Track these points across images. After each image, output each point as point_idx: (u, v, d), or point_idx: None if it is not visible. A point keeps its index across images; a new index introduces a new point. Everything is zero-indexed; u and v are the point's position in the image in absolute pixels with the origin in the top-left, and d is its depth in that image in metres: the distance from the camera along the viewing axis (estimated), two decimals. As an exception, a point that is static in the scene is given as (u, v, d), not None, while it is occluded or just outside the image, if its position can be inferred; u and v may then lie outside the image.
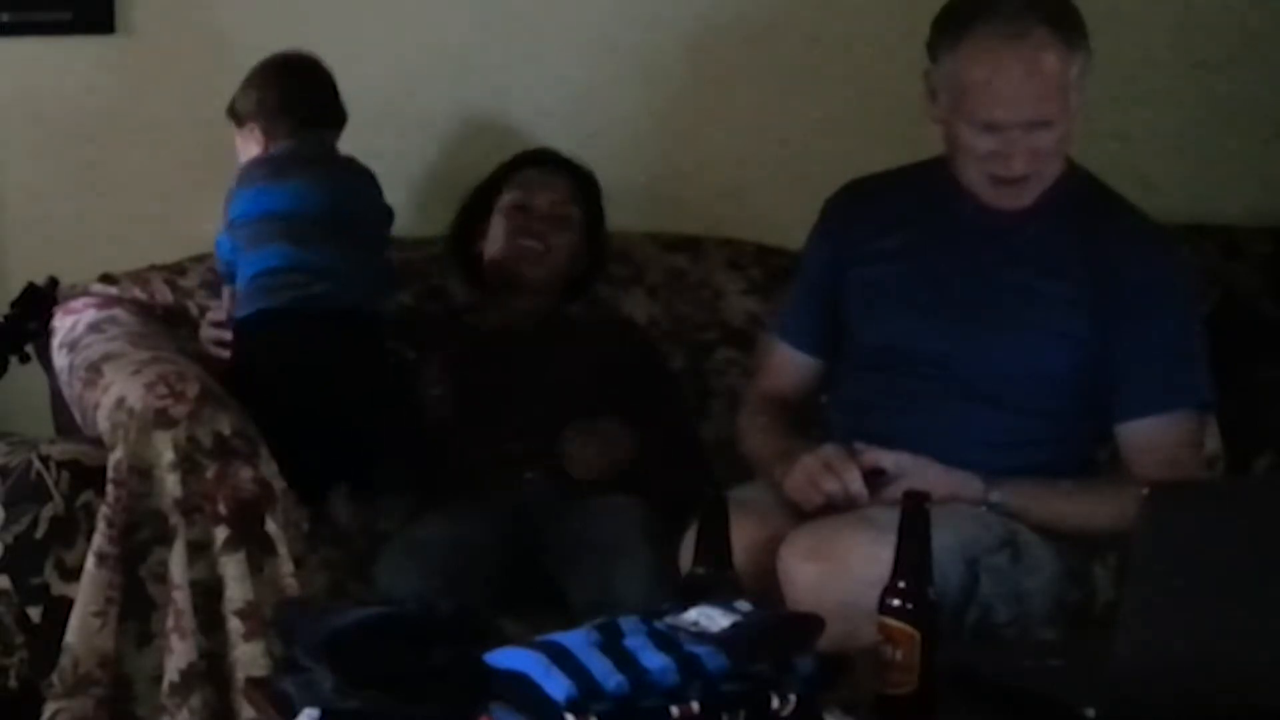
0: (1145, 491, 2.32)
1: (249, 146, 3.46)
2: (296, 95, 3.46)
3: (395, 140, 3.74)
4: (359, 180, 3.45)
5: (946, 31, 2.94)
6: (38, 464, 3.02)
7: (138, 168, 3.63)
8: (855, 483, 2.86)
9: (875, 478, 2.87)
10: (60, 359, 3.31)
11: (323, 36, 3.69)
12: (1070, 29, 2.91)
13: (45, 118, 3.60)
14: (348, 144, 3.73)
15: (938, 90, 2.97)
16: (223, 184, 3.59)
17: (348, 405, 3.27)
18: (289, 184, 3.38)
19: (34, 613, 3.01)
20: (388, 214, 3.49)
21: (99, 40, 3.61)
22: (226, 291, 3.42)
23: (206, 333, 3.42)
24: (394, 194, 3.73)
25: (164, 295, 3.52)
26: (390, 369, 3.43)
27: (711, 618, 2.27)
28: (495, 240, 3.57)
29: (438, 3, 3.79)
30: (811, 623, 2.34)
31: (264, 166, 3.42)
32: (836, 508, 2.85)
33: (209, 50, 3.64)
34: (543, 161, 3.65)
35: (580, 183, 3.63)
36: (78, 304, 3.38)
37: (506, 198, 3.59)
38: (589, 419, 3.40)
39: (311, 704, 2.24)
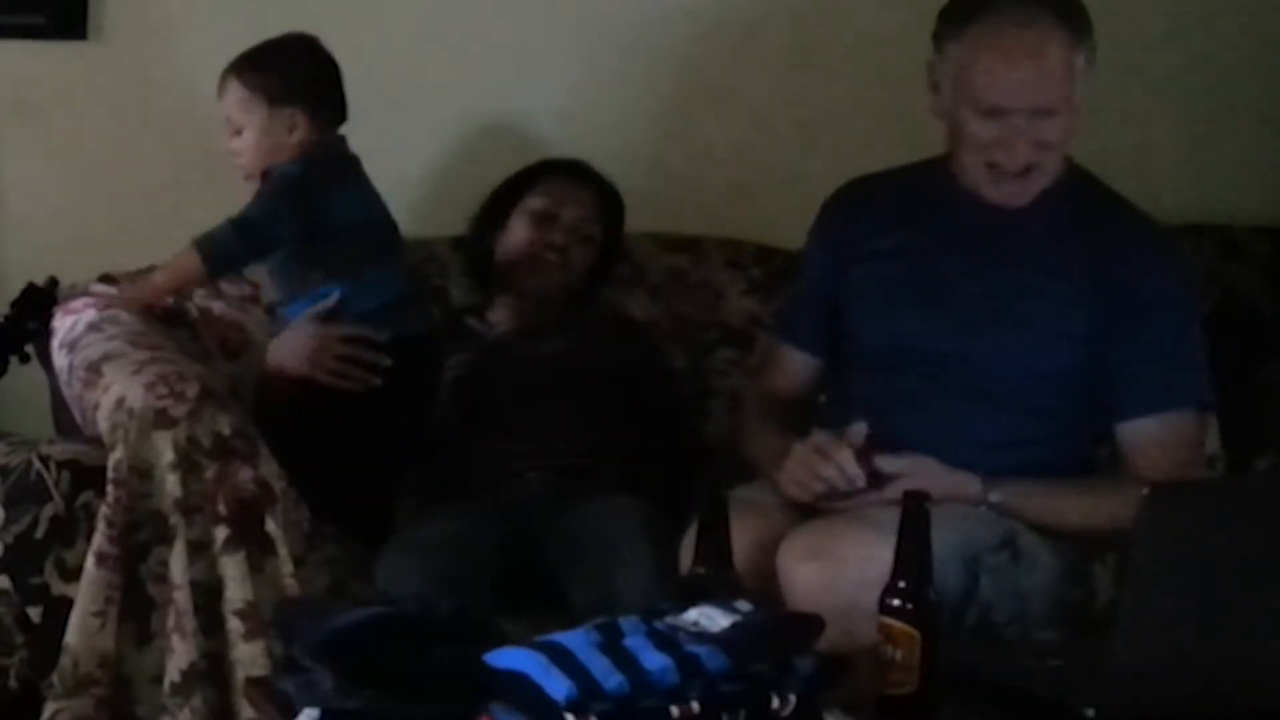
0: (1145, 491, 2.33)
1: (274, 130, 3.34)
2: (338, 86, 3.39)
3: (395, 141, 3.73)
4: None
5: (952, 20, 2.95)
6: (38, 464, 3.02)
7: (115, 171, 3.63)
8: (849, 464, 2.86)
9: (875, 477, 2.87)
10: (60, 359, 3.31)
11: (319, 37, 3.69)
12: (1076, 21, 2.92)
13: (18, 121, 3.59)
14: (349, 146, 3.74)
15: (941, 81, 2.97)
16: (207, 188, 3.58)
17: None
18: (368, 188, 3.38)
19: (34, 613, 3.01)
20: None
21: (72, 45, 3.60)
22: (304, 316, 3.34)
23: (337, 350, 3.30)
24: (394, 194, 3.73)
25: (164, 296, 3.52)
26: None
27: (711, 618, 2.27)
28: (513, 242, 3.57)
29: (437, 3, 3.78)
30: (811, 623, 2.34)
31: (341, 167, 3.36)
32: (836, 495, 2.85)
33: (183, 55, 3.63)
34: (574, 172, 3.63)
35: (607, 201, 3.63)
36: (78, 304, 3.38)
37: (533, 202, 3.58)
38: (589, 418, 3.40)
39: (311, 704, 2.24)
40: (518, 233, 3.56)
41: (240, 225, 3.26)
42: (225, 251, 3.26)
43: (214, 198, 3.60)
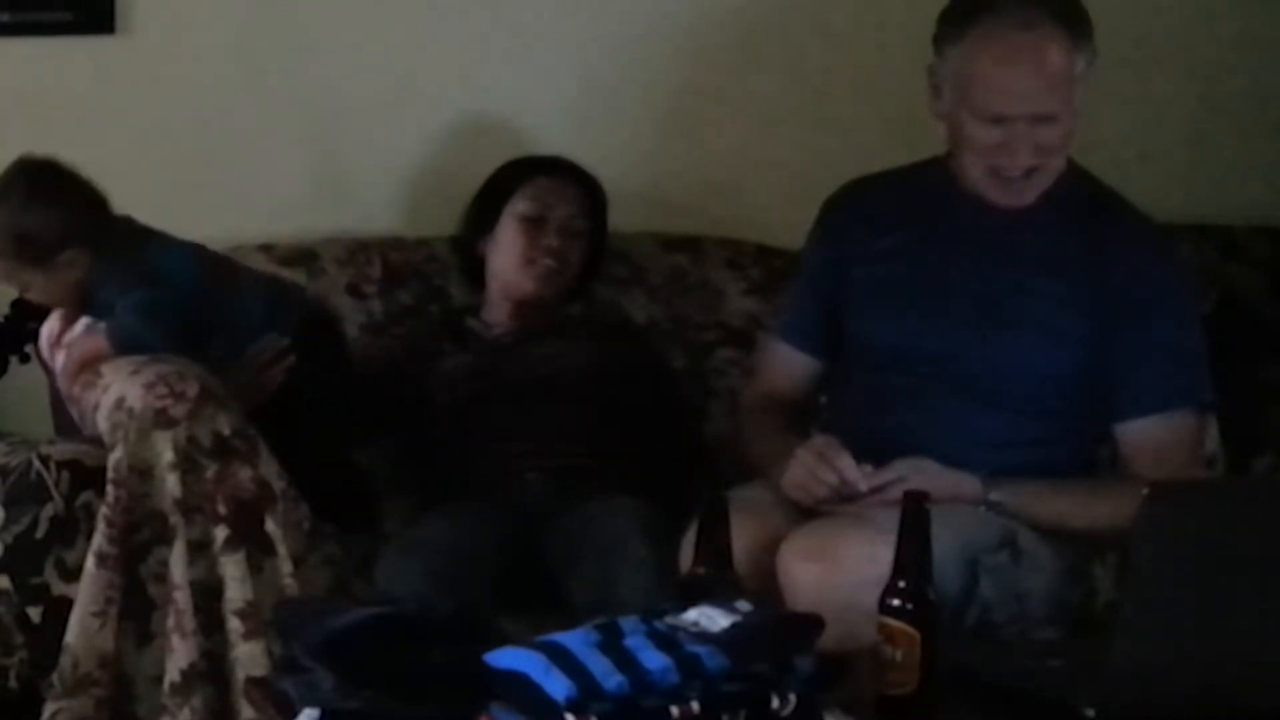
0: (1145, 491, 2.33)
1: (55, 282, 3.17)
2: (81, 196, 3.19)
3: (394, 140, 3.74)
4: None
5: (953, 24, 2.95)
6: (38, 464, 3.02)
7: (138, 168, 3.62)
8: (850, 469, 2.86)
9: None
10: (60, 359, 3.31)
11: (322, 36, 3.70)
12: (1077, 24, 2.91)
13: (46, 118, 3.59)
14: (347, 145, 3.74)
15: (942, 85, 2.97)
16: (223, 184, 3.58)
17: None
18: (168, 240, 3.27)
19: (34, 613, 3.01)
20: None
21: (99, 40, 3.60)
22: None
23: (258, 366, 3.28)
24: (392, 194, 3.74)
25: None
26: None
27: (711, 618, 2.27)
28: (507, 251, 3.54)
29: (437, 3, 3.78)
30: (811, 623, 2.34)
31: (136, 249, 3.22)
32: (838, 499, 2.85)
33: (209, 51, 3.64)
34: (556, 170, 3.60)
35: (592, 194, 3.61)
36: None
37: (520, 206, 3.55)
38: (590, 418, 3.41)
39: (311, 704, 2.24)
40: (510, 240, 3.54)
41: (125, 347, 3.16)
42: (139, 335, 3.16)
43: (239, 192, 3.62)
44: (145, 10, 3.62)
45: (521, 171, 3.60)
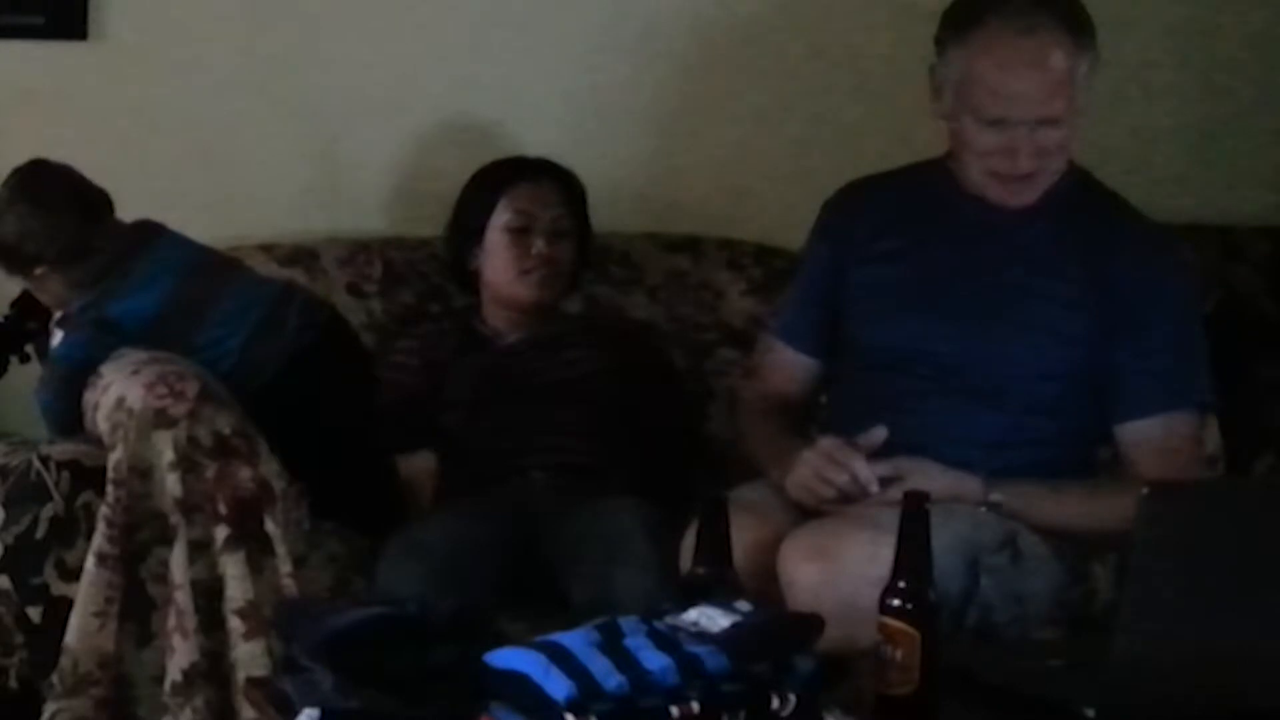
0: (1145, 491, 2.33)
1: (42, 290, 3.25)
2: (64, 207, 3.22)
3: (394, 140, 3.74)
4: None
5: (956, 26, 2.94)
6: (38, 464, 3.02)
7: (135, 171, 3.63)
8: (863, 469, 2.85)
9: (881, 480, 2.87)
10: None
11: (321, 36, 3.70)
12: (1080, 27, 2.91)
13: (38, 120, 3.58)
14: (349, 145, 3.74)
15: (943, 86, 2.96)
16: (201, 187, 3.57)
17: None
18: (160, 258, 3.26)
19: (34, 613, 3.01)
20: None
21: (71, 46, 3.59)
22: None
23: None
24: (392, 194, 3.73)
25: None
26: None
27: (711, 618, 2.27)
28: (499, 264, 3.52)
29: (437, 3, 3.78)
30: (811, 623, 2.34)
31: (114, 270, 3.22)
32: (847, 500, 2.85)
33: (182, 56, 3.62)
34: (531, 173, 3.58)
35: (570, 189, 3.59)
36: (77, 304, 3.38)
37: (504, 218, 3.53)
38: (594, 418, 3.41)
39: (311, 704, 2.24)
40: (501, 253, 3.52)
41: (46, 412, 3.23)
42: (54, 410, 3.22)
43: (212, 198, 3.60)
44: (118, 16, 3.60)
45: (497, 182, 3.57)
